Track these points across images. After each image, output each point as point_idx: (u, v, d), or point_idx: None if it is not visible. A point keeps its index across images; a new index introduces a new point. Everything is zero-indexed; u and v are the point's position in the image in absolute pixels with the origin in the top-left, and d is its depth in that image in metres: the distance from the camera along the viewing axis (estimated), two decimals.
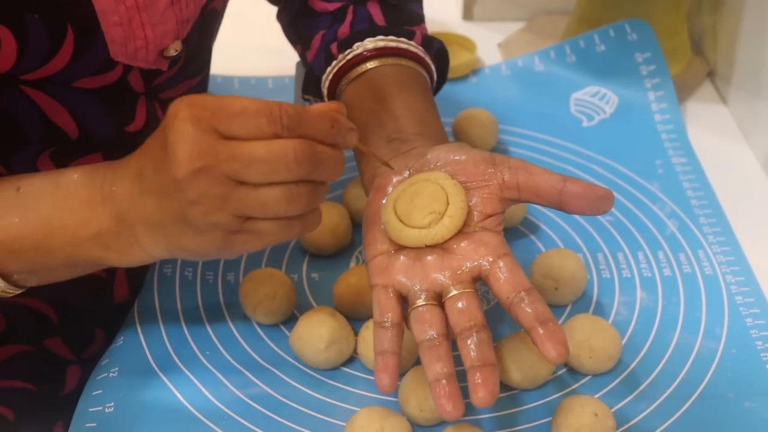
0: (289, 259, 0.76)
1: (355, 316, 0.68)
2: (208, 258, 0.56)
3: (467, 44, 1.02)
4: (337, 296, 0.70)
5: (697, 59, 1.00)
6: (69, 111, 0.63)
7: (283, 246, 0.77)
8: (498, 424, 0.63)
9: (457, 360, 0.56)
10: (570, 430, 0.59)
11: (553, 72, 0.98)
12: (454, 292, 0.57)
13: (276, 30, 0.82)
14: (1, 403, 0.69)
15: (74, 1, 0.58)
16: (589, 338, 0.64)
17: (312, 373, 0.66)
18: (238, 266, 0.75)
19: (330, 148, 0.52)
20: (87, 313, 0.74)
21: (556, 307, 0.71)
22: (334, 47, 0.72)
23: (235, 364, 0.67)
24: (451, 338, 0.57)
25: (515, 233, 0.79)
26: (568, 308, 0.71)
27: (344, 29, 0.72)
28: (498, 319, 0.70)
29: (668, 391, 0.64)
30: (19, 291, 0.60)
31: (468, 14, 1.12)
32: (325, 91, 0.73)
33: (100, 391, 0.65)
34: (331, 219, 0.74)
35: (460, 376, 0.55)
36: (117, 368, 0.66)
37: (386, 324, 0.57)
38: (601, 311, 0.71)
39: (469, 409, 0.63)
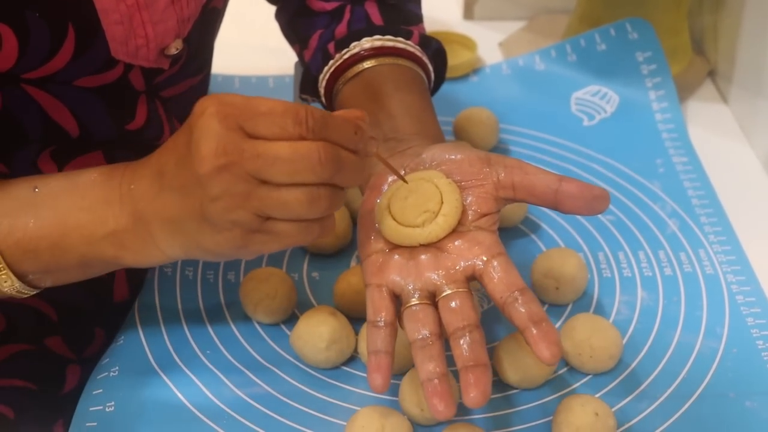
0: (289, 258, 0.76)
1: (356, 315, 0.68)
2: (223, 258, 0.56)
3: (468, 43, 1.02)
4: (337, 295, 0.70)
5: (697, 58, 1.00)
6: (70, 109, 0.63)
7: None
8: (498, 423, 0.63)
9: (451, 360, 0.56)
10: (570, 430, 0.59)
11: (553, 71, 0.98)
12: (448, 291, 0.57)
13: (277, 29, 0.82)
14: (2, 401, 0.69)
15: (75, 0, 0.58)
16: (589, 337, 0.64)
17: (312, 372, 0.66)
18: (239, 265, 0.75)
19: (352, 154, 0.53)
20: (87, 313, 0.74)
21: (557, 307, 0.71)
22: (331, 47, 0.72)
23: (235, 363, 0.67)
24: (444, 338, 0.57)
25: (516, 233, 0.79)
26: (569, 308, 0.71)
27: (341, 29, 0.72)
28: (497, 320, 0.70)
29: (669, 391, 0.64)
30: (34, 292, 0.60)
31: (469, 13, 1.12)
32: (322, 90, 0.73)
33: (101, 391, 0.65)
34: None
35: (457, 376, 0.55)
36: (117, 367, 0.66)
37: (380, 323, 0.57)
38: (601, 310, 0.71)
39: (469, 408, 0.63)
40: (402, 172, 0.62)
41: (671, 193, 0.82)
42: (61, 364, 0.73)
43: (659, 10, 0.96)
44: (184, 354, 0.67)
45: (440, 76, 0.76)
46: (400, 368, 0.64)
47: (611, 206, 0.80)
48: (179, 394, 0.64)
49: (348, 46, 0.71)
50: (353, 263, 0.76)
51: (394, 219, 0.60)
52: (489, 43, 1.05)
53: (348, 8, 0.74)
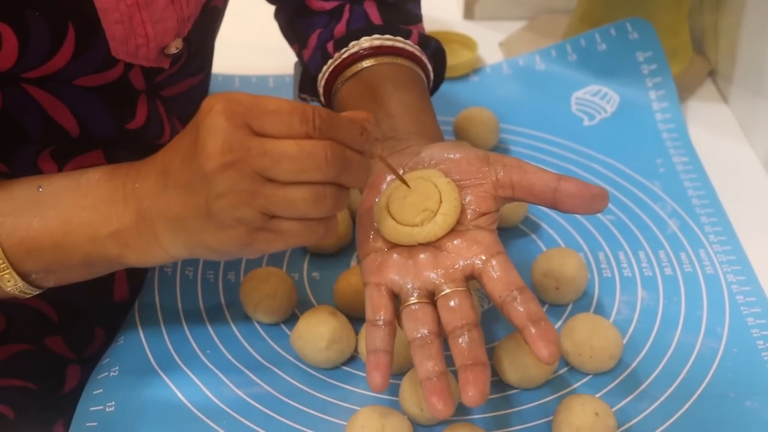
0: (290, 258, 0.76)
1: (356, 315, 0.68)
2: (227, 257, 0.56)
3: (468, 43, 1.02)
4: (337, 295, 0.70)
5: (698, 58, 1.00)
6: (70, 109, 0.63)
7: None
8: (498, 423, 0.62)
9: (451, 361, 0.56)
10: (571, 429, 0.58)
11: (554, 71, 0.98)
12: (447, 290, 0.57)
13: (277, 29, 0.82)
14: (2, 401, 0.69)
15: None
16: (589, 337, 0.64)
17: (313, 372, 0.66)
18: (239, 265, 0.75)
19: (358, 154, 0.53)
20: (87, 312, 0.74)
21: (557, 307, 0.71)
22: (330, 46, 0.72)
23: (235, 363, 0.67)
24: (442, 337, 0.57)
25: (516, 232, 0.79)
26: (569, 307, 0.71)
27: (340, 28, 0.72)
28: (497, 320, 0.70)
29: (669, 391, 0.64)
30: (37, 292, 0.60)
31: (469, 13, 1.12)
32: (321, 89, 0.73)
33: (101, 390, 0.64)
34: None
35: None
36: (117, 367, 0.66)
37: (378, 322, 0.57)
38: (602, 310, 0.71)
39: (469, 408, 0.63)
40: (401, 171, 0.62)
41: (671, 193, 0.82)
42: (61, 364, 0.73)
43: (660, 9, 0.96)
44: (185, 354, 0.67)
45: (439, 76, 0.76)
46: (400, 368, 0.64)
47: (611, 206, 0.80)
48: (179, 394, 0.64)
49: (347, 46, 0.71)
50: (353, 263, 0.76)
51: (393, 218, 0.60)
52: (489, 42, 1.05)
53: (347, 7, 0.74)
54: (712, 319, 0.69)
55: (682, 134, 0.89)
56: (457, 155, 0.61)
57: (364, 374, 0.66)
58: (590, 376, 0.65)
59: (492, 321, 0.70)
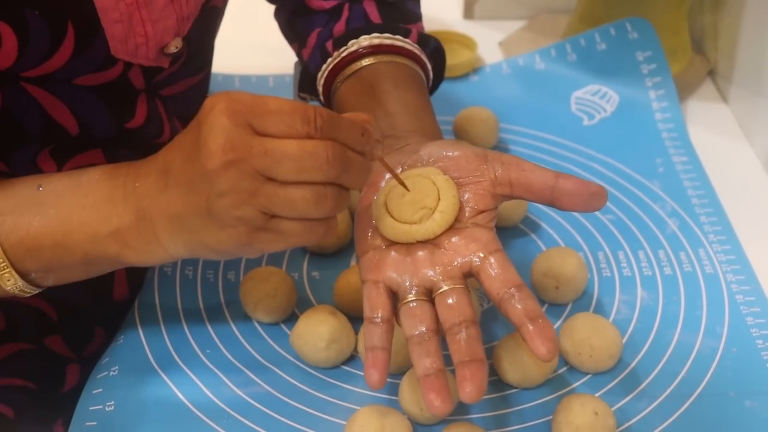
0: (289, 257, 0.76)
1: (356, 314, 0.68)
2: (227, 257, 0.56)
3: (468, 43, 1.02)
4: (337, 295, 0.70)
5: (697, 58, 1.00)
6: (69, 108, 0.63)
7: None
8: (498, 422, 0.62)
9: (449, 360, 0.56)
10: (570, 429, 0.58)
11: (553, 70, 0.98)
12: (445, 287, 0.57)
13: (277, 28, 0.82)
14: (1, 401, 0.69)
15: None
16: (589, 337, 0.64)
17: (312, 371, 0.66)
18: (239, 265, 0.75)
19: (359, 155, 0.53)
20: (87, 312, 0.74)
21: (557, 306, 0.71)
22: (329, 45, 0.72)
23: (235, 362, 0.67)
24: (440, 334, 0.57)
25: (516, 232, 0.79)
26: (569, 307, 0.71)
27: (340, 27, 0.72)
28: (497, 319, 0.70)
29: (669, 390, 0.64)
30: (36, 291, 0.60)
31: (469, 13, 1.12)
32: (320, 88, 0.73)
33: (101, 390, 0.64)
34: None
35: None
36: (117, 367, 0.66)
37: (376, 320, 0.57)
38: (601, 310, 0.71)
39: (469, 407, 0.63)
40: (399, 170, 0.62)
41: (671, 193, 0.82)
42: (61, 364, 0.73)
43: (659, 9, 0.96)
44: (184, 353, 0.67)
45: (439, 75, 0.76)
46: (400, 367, 0.64)
47: (611, 205, 0.80)
48: (179, 394, 0.64)
49: (346, 44, 0.71)
50: (353, 263, 0.76)
51: (391, 216, 0.60)
52: (489, 42, 1.05)
53: (346, 6, 0.74)
54: (711, 319, 0.69)
55: (682, 134, 0.89)
56: (456, 153, 0.61)
57: (363, 374, 0.66)
58: (590, 376, 0.65)
59: (492, 320, 0.70)
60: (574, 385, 0.65)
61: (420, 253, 0.59)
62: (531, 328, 0.54)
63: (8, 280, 0.58)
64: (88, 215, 0.57)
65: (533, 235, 0.78)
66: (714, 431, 0.61)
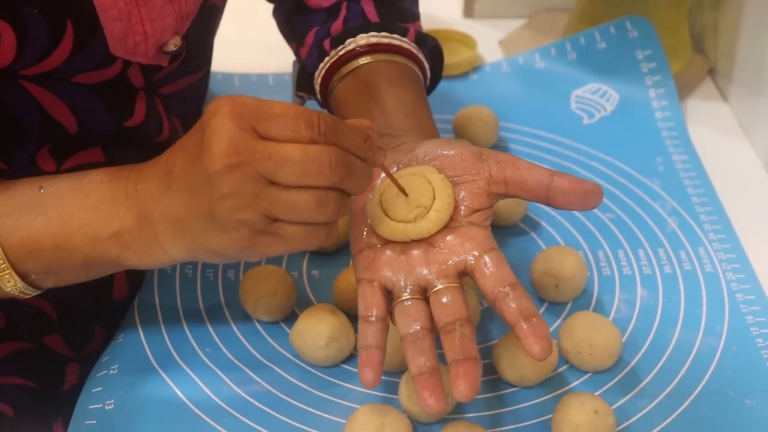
0: (289, 256, 0.76)
1: (356, 313, 0.67)
2: (227, 260, 0.56)
3: (468, 41, 1.02)
4: (337, 293, 0.70)
5: (697, 56, 1.00)
6: (68, 106, 0.63)
7: None
8: (498, 421, 0.62)
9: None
10: (570, 428, 0.58)
11: (553, 69, 0.98)
12: (439, 286, 0.57)
13: (277, 27, 0.81)
14: (1, 399, 0.69)
15: None
16: (589, 336, 0.64)
17: (312, 370, 0.66)
18: (238, 264, 0.75)
19: (361, 161, 0.53)
20: (87, 311, 0.74)
21: (557, 305, 0.71)
22: (326, 43, 0.72)
23: (235, 361, 0.67)
24: (435, 332, 0.57)
25: (515, 230, 0.79)
26: (569, 305, 0.71)
27: (337, 26, 0.72)
28: (497, 318, 0.70)
29: (668, 389, 0.64)
30: (36, 293, 0.60)
31: (469, 11, 1.12)
32: (317, 87, 0.73)
33: (100, 389, 0.64)
34: None
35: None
36: (117, 365, 0.66)
37: (371, 318, 0.57)
38: (601, 309, 0.71)
39: (469, 406, 0.63)
40: (395, 168, 0.62)
41: (671, 191, 0.82)
42: (61, 362, 0.73)
43: (659, 8, 0.96)
44: (184, 352, 0.67)
45: (437, 75, 0.76)
46: (400, 366, 0.64)
47: (611, 204, 0.80)
48: (179, 392, 0.64)
49: (343, 43, 0.71)
50: (352, 261, 0.76)
51: (386, 214, 0.60)
52: (489, 41, 1.05)
53: (344, 5, 0.74)
54: (711, 317, 0.69)
55: (682, 132, 0.89)
56: (451, 152, 0.61)
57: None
58: (589, 374, 0.65)
59: (492, 319, 0.70)
60: (574, 384, 0.65)
61: (415, 251, 0.59)
62: (525, 326, 0.54)
63: (8, 282, 0.58)
64: (89, 217, 0.57)
65: (533, 234, 0.78)
66: (714, 430, 0.61)
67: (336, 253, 0.76)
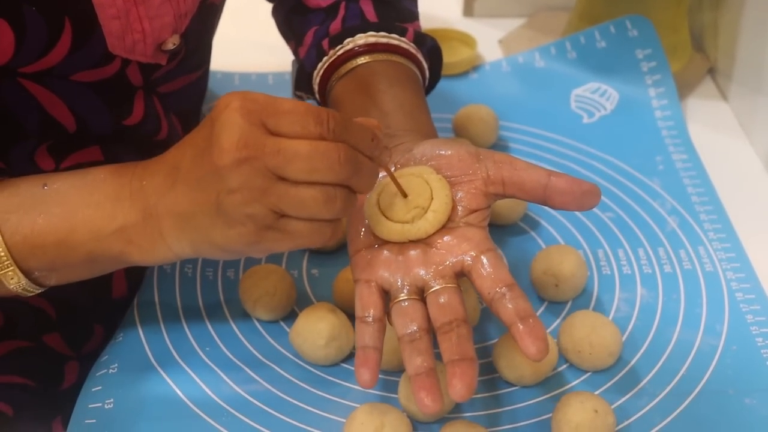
0: (289, 255, 0.76)
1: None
2: (233, 255, 0.56)
3: (468, 40, 1.02)
4: (336, 292, 0.70)
5: (697, 56, 1.00)
6: (67, 104, 0.63)
7: None
8: (497, 420, 0.62)
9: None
10: (570, 427, 0.58)
11: (553, 68, 0.97)
12: (436, 287, 0.57)
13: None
14: (0, 398, 0.69)
15: None
16: (589, 335, 0.64)
17: (312, 369, 0.66)
18: (238, 262, 0.75)
19: (368, 160, 0.53)
20: (86, 310, 0.74)
21: (557, 304, 0.71)
22: (325, 43, 0.72)
23: (234, 360, 0.67)
24: (432, 333, 0.57)
25: (515, 230, 0.78)
26: (569, 305, 0.71)
27: (336, 25, 0.72)
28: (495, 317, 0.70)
29: (668, 388, 0.64)
30: (39, 290, 0.60)
31: (468, 10, 1.12)
32: (316, 87, 0.73)
33: (100, 388, 0.64)
34: None
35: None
36: (116, 364, 0.66)
37: (368, 319, 0.57)
38: (601, 308, 0.71)
39: (468, 405, 0.63)
40: (392, 169, 0.62)
41: (671, 191, 0.82)
42: (60, 361, 0.73)
43: (659, 7, 0.96)
44: (183, 351, 0.67)
45: (436, 74, 0.76)
46: (399, 365, 0.64)
47: (611, 203, 0.80)
48: (178, 391, 0.64)
49: (342, 43, 0.71)
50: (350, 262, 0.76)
51: (384, 215, 0.60)
52: (489, 40, 1.05)
53: (343, 5, 0.74)
54: (711, 317, 0.69)
55: (682, 132, 0.89)
56: (449, 152, 0.61)
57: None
58: (589, 374, 0.65)
59: (491, 318, 0.70)
60: (574, 383, 0.65)
61: (412, 252, 0.59)
62: (521, 327, 0.54)
63: (12, 279, 0.58)
64: (93, 213, 0.57)
65: (533, 233, 0.78)
66: (713, 429, 0.61)
67: (336, 252, 0.76)
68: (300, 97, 0.77)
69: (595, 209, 0.72)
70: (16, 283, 0.58)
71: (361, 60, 0.70)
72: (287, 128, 0.51)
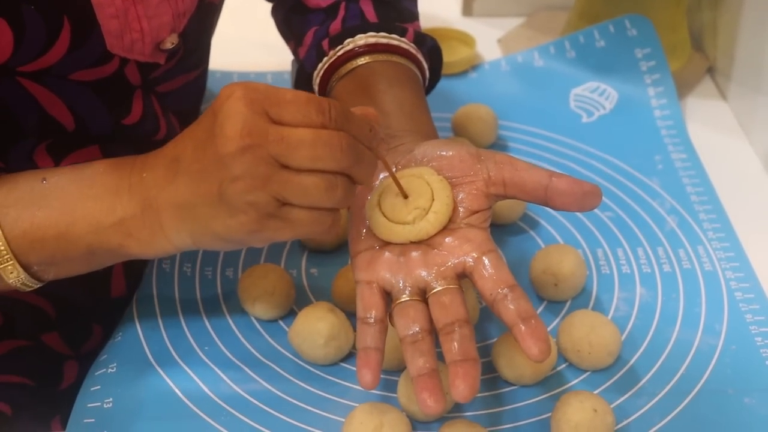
0: (288, 254, 0.76)
1: (354, 311, 0.68)
2: (233, 245, 0.56)
3: (467, 40, 1.02)
4: (336, 292, 0.70)
5: (697, 55, 1.00)
6: (66, 103, 0.63)
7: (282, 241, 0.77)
8: (497, 419, 0.62)
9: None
10: (569, 426, 0.58)
11: (552, 68, 0.97)
12: (438, 288, 0.57)
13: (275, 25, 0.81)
14: None
15: None
16: (588, 334, 0.64)
17: (311, 368, 0.66)
18: (237, 261, 0.75)
19: (368, 150, 0.54)
20: (85, 309, 0.74)
21: (556, 303, 0.71)
22: (325, 43, 0.71)
23: (233, 359, 0.67)
24: (434, 334, 0.57)
25: (515, 229, 0.78)
26: (568, 304, 0.71)
27: (336, 25, 0.72)
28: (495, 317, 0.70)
29: (668, 387, 0.64)
30: (38, 285, 0.60)
31: (467, 10, 1.12)
32: (316, 87, 0.73)
33: (99, 387, 0.64)
34: None
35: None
36: (115, 364, 0.66)
37: (370, 320, 0.57)
38: (600, 307, 0.71)
39: (468, 405, 0.63)
40: (393, 169, 0.62)
41: (670, 190, 0.82)
42: (59, 361, 0.73)
43: (658, 6, 0.96)
44: (182, 350, 0.67)
45: (436, 74, 0.76)
46: (399, 365, 0.64)
47: (610, 203, 0.80)
48: (177, 391, 0.64)
49: (342, 43, 0.71)
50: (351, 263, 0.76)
51: (385, 216, 0.60)
52: (488, 39, 1.05)
53: (343, 5, 0.73)
54: (710, 316, 0.69)
55: (681, 131, 0.89)
56: (450, 152, 0.61)
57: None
58: (588, 373, 0.65)
59: (490, 318, 0.70)
60: (573, 383, 0.65)
61: (414, 253, 0.59)
62: (523, 328, 0.54)
63: (11, 273, 0.58)
64: (92, 206, 0.57)
65: (532, 233, 0.78)
66: (713, 428, 0.61)
67: (335, 251, 0.76)
68: None
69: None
70: (15, 277, 0.58)
71: (362, 60, 0.70)
72: (290, 117, 0.51)
